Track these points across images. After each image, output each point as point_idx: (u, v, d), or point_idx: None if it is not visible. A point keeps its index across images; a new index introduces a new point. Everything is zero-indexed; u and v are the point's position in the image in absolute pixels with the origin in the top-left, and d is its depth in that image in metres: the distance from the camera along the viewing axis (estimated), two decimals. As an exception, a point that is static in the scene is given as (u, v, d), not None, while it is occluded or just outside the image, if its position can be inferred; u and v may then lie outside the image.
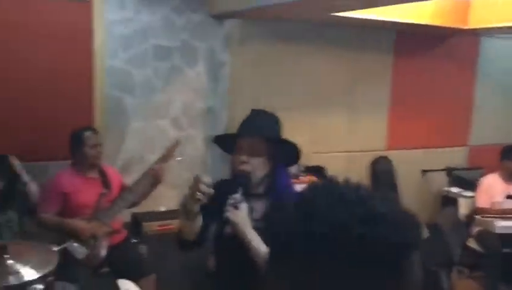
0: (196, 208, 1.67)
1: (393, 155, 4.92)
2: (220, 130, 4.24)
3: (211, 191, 1.65)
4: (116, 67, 3.85)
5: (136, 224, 3.70)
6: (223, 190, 1.72)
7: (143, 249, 3.44)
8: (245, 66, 4.13)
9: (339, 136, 4.69)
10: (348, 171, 4.70)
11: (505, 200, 4.29)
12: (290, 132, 4.46)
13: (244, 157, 1.78)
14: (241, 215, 1.67)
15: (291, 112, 4.35)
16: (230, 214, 1.67)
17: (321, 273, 0.64)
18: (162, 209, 3.93)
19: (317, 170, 4.33)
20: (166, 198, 3.92)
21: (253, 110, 1.96)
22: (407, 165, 4.90)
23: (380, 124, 4.91)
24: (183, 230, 1.77)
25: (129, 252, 3.28)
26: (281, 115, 4.36)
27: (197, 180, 1.63)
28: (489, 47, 5.39)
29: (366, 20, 3.91)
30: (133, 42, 3.90)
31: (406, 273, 0.66)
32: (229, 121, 4.16)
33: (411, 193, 5.02)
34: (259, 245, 1.64)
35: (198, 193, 1.62)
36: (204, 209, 1.73)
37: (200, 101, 4.26)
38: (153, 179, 3.19)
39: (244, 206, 1.70)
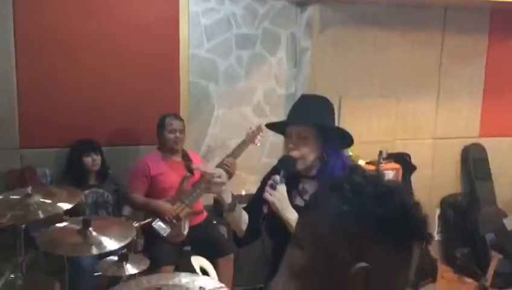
0: (224, 199, 1.79)
1: (487, 143, 4.63)
2: (300, 117, 4.27)
3: (223, 181, 1.76)
4: (200, 56, 4.03)
5: (217, 206, 3.86)
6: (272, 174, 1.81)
7: (223, 230, 3.60)
8: (326, 51, 4.10)
9: (426, 123, 4.49)
10: (435, 159, 4.52)
11: None
12: (372, 118, 4.41)
13: (291, 145, 1.83)
14: (278, 195, 1.72)
15: (373, 97, 4.26)
16: (267, 194, 1.73)
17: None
18: (243, 193, 4.06)
19: (400, 157, 4.20)
20: (247, 183, 4.06)
21: (302, 96, 2.00)
22: (503, 153, 4.58)
23: (472, 109, 4.61)
24: (231, 224, 1.91)
25: (209, 232, 3.47)
26: (363, 100, 4.33)
27: (206, 177, 1.79)
28: None
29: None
30: (216, 32, 4.05)
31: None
32: (310, 107, 4.17)
33: (505, 182, 4.70)
34: None
35: (213, 185, 1.76)
36: (255, 201, 1.85)
37: (281, 87, 4.32)
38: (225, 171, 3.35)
39: (282, 187, 1.74)
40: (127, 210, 3.43)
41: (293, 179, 1.81)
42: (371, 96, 4.22)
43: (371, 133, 4.21)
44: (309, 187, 1.86)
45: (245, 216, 1.88)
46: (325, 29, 4.06)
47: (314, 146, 1.82)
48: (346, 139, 1.86)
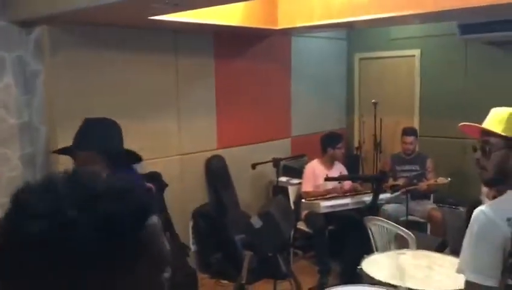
0: None
1: (225, 153, 5.10)
2: (40, 146, 3.90)
3: None
4: None
5: None
6: None
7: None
8: (61, 75, 3.85)
9: (171, 141, 4.67)
10: (183, 173, 4.74)
11: (326, 183, 4.75)
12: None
13: None
14: None
15: (118, 120, 4.19)
16: None
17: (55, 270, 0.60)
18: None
19: (153, 177, 4.24)
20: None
21: (86, 120, 2.02)
22: (239, 161, 5.12)
23: (209, 125, 5.02)
24: None
25: None
26: (107, 124, 4.17)
27: None
28: (299, 46, 5.91)
29: (183, 23, 3.95)
30: None
31: (145, 245, 0.66)
32: (50, 134, 3.84)
33: (245, 186, 5.26)
34: None
35: None
36: None
37: (12, 116, 3.85)
38: None
39: None
40: None
41: None
42: (120, 119, 4.13)
43: (119, 156, 4.13)
44: None
45: None
46: (57, 51, 3.81)
47: (103, 167, 1.89)
48: (133, 157, 2.05)
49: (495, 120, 1.69)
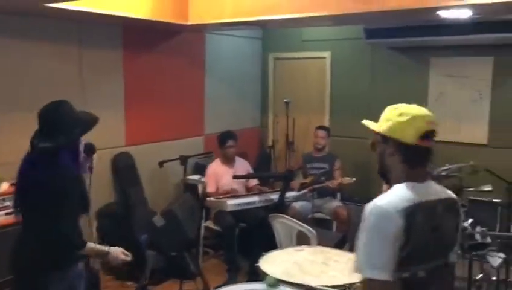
0: None
1: (134, 150, 4.93)
2: None
3: None
4: None
5: None
6: None
7: None
8: None
9: (74, 136, 4.43)
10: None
11: (231, 181, 4.76)
12: (16, 135, 4.06)
13: None
14: None
15: (17, 112, 3.92)
16: None
17: None
18: None
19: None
20: None
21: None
22: (148, 158, 4.98)
23: (117, 120, 4.84)
24: None
25: None
26: (6, 116, 3.92)
27: None
28: (214, 43, 5.86)
29: (86, 13, 3.76)
30: None
31: None
32: None
33: (155, 185, 5.13)
34: None
35: None
36: None
37: None
38: None
39: None
40: None
41: None
42: (12, 112, 3.88)
43: (13, 152, 3.86)
44: None
45: None
46: None
47: None
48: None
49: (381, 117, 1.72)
